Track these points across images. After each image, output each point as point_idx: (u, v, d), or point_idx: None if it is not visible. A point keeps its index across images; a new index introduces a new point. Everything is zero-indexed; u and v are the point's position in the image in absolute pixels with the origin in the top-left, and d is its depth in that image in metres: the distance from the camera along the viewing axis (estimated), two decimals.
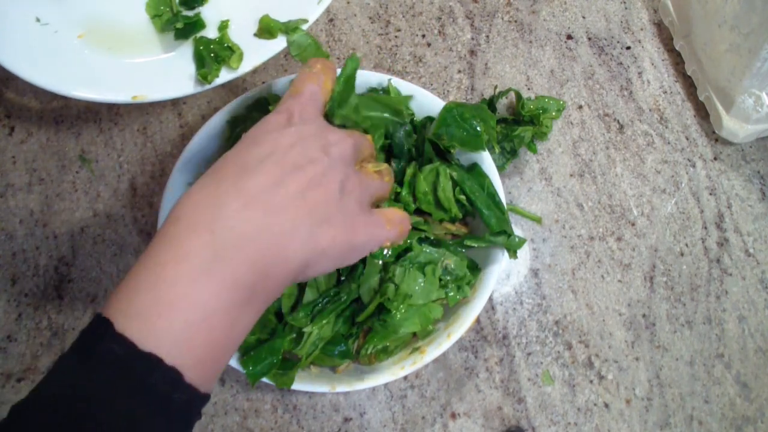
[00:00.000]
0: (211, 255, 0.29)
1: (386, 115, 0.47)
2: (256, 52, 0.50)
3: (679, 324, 0.54)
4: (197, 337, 0.29)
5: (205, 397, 0.30)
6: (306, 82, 0.38)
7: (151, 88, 0.48)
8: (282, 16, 0.50)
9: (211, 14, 0.52)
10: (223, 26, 0.51)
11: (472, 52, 0.62)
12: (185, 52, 0.51)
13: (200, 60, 0.49)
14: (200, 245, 0.29)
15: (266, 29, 0.50)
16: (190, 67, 0.50)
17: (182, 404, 0.29)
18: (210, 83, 0.49)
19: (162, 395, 0.28)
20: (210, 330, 0.29)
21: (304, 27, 0.48)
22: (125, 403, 0.27)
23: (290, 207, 0.32)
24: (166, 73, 0.49)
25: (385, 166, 0.41)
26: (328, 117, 0.40)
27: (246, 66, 0.49)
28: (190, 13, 0.52)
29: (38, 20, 0.49)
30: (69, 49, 0.49)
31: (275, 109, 0.37)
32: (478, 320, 0.53)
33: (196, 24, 0.51)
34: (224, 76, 0.49)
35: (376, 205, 0.40)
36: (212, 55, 0.49)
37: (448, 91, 0.60)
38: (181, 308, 0.28)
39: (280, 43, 0.50)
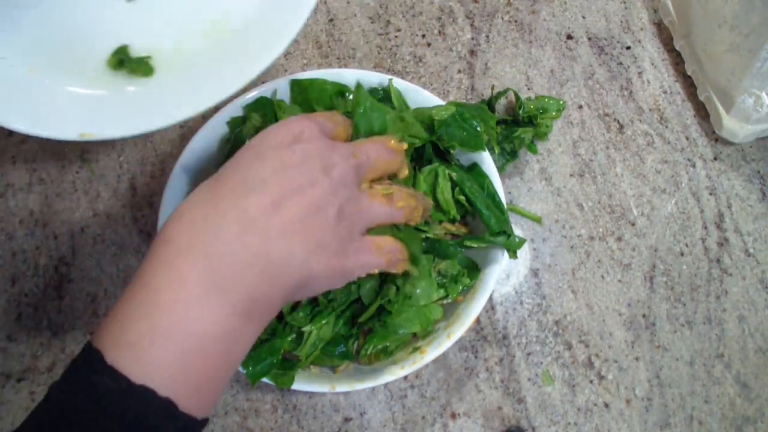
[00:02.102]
0: (207, 282, 0.28)
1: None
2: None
3: (679, 324, 0.54)
4: (192, 365, 0.28)
5: (202, 422, 0.30)
6: (322, 115, 0.38)
7: (100, 125, 0.44)
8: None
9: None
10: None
11: (472, 52, 0.62)
12: (138, 90, 0.46)
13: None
14: (196, 271, 0.28)
15: None
16: (143, 105, 0.46)
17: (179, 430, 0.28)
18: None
19: (155, 429, 0.27)
20: (205, 357, 0.28)
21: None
22: None
23: (288, 232, 0.31)
24: (118, 111, 0.45)
25: (395, 189, 0.38)
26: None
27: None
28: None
29: None
30: (15, 78, 0.45)
31: (284, 121, 0.36)
32: (478, 320, 0.53)
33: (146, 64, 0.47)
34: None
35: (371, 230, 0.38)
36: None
37: (448, 91, 0.60)
38: (175, 337, 0.28)
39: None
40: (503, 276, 0.55)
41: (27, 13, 0.47)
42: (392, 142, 0.39)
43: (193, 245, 0.29)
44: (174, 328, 0.28)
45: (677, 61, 0.63)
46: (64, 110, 0.45)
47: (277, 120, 0.45)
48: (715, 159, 0.60)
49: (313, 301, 0.43)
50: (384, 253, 0.37)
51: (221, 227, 0.29)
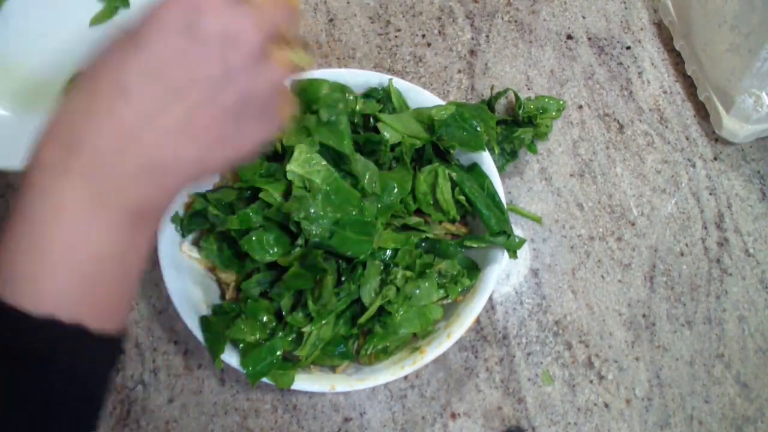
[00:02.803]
0: (90, 203, 0.27)
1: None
2: None
3: (679, 324, 0.54)
4: (92, 286, 0.28)
5: (119, 337, 0.29)
6: None
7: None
8: None
9: None
10: None
11: (472, 52, 0.62)
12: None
13: None
14: (76, 194, 0.27)
15: None
16: None
17: (97, 351, 0.28)
18: None
19: (71, 352, 0.27)
20: (103, 276, 0.28)
21: None
22: (35, 378, 0.26)
23: (172, 141, 0.28)
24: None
25: (307, 60, 0.33)
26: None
27: None
28: None
29: None
30: None
31: None
32: (478, 320, 0.53)
33: None
34: None
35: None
36: None
37: (448, 91, 0.60)
38: (69, 263, 0.27)
39: None
40: (503, 276, 0.55)
41: None
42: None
43: (70, 167, 0.27)
44: (62, 256, 0.27)
45: (677, 61, 0.63)
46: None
47: None
48: (715, 159, 0.60)
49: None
50: (288, 69, 0.31)
51: (98, 145, 0.27)
